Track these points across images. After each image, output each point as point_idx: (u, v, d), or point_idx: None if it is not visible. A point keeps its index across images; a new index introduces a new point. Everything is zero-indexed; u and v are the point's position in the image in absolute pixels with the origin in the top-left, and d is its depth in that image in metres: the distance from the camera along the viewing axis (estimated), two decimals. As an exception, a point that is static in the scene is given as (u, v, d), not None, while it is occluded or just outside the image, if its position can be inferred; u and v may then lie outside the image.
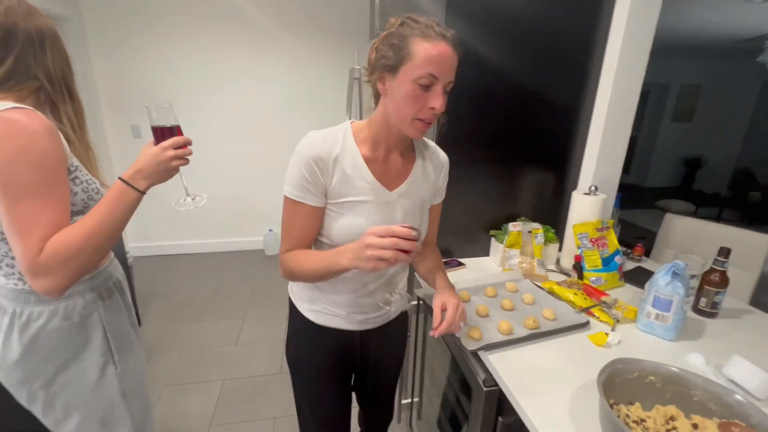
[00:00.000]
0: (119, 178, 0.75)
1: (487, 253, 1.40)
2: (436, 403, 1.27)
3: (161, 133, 0.78)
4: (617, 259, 1.21)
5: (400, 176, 0.82)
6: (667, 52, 5.19)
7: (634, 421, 0.61)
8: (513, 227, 1.28)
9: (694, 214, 3.25)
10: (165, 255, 3.37)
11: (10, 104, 0.68)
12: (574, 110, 1.32)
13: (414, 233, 0.62)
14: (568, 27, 1.23)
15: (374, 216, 0.79)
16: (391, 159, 0.81)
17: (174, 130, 0.80)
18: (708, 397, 0.62)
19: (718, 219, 4.78)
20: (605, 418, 0.57)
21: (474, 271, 1.29)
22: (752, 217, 4.66)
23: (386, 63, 0.69)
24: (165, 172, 0.78)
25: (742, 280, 1.51)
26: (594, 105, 1.31)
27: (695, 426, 0.60)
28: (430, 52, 0.66)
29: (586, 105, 1.32)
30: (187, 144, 0.80)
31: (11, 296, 0.78)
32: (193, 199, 0.87)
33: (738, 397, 0.59)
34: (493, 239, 1.37)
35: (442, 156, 0.90)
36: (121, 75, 2.92)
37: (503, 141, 1.31)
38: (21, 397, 0.83)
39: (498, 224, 1.38)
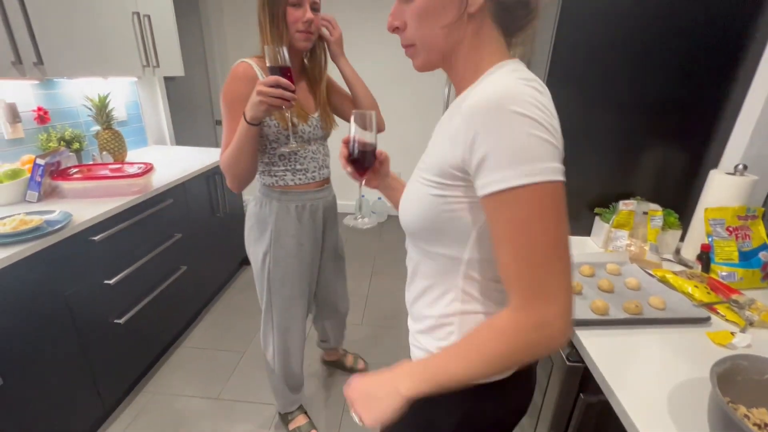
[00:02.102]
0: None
1: (588, 233, 1.28)
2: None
3: (270, 72, 0.91)
4: (763, 255, 0.99)
5: None
6: None
7: (755, 424, 0.52)
8: (624, 206, 1.14)
9: None
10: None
11: (246, 59, 1.06)
12: (730, 69, 1.08)
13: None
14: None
15: None
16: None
17: (283, 71, 0.89)
18: None
19: None
20: (716, 411, 0.50)
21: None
22: None
23: None
24: (254, 105, 0.91)
25: None
26: (759, 63, 1.05)
27: None
28: None
29: (747, 64, 1.07)
30: (279, 85, 0.87)
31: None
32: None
33: None
34: (597, 218, 1.23)
35: (473, 100, 0.45)
36: (252, 46, 3.28)
37: (626, 106, 1.14)
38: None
39: (606, 202, 1.24)
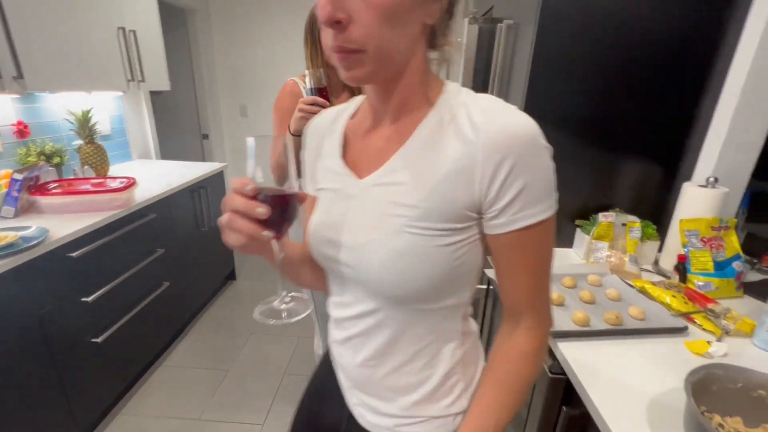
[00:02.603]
0: None
1: (570, 244, 1.30)
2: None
3: (309, 92, 1.04)
4: (736, 265, 1.02)
5: (382, 158, 0.48)
6: None
7: (730, 434, 0.53)
8: (603, 217, 1.16)
9: None
10: (259, 223, 3.77)
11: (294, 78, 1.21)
12: (699, 86, 1.13)
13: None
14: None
15: (330, 211, 0.51)
16: (380, 130, 0.50)
17: (320, 91, 1.03)
18: (841, 425, 0.51)
19: None
20: (691, 420, 0.50)
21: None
22: None
23: None
24: (296, 119, 1.05)
25: None
26: (726, 79, 1.11)
27: (817, 455, 0.49)
28: None
29: (715, 79, 1.12)
30: (316, 103, 1.00)
31: None
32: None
33: None
34: (578, 230, 1.26)
35: (500, 134, 0.41)
36: (238, 62, 3.30)
37: (602, 121, 1.18)
38: None
39: (586, 214, 1.26)
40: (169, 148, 3.06)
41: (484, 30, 1.66)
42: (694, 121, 1.16)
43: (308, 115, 1.02)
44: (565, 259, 1.23)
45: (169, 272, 1.91)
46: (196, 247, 2.18)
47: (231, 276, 2.70)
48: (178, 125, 3.41)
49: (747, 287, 1.05)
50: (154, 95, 2.67)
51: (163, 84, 2.23)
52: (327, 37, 0.43)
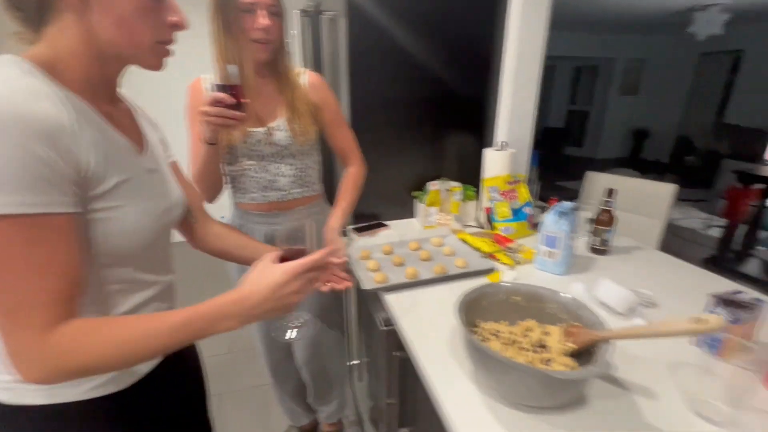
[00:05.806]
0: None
1: (413, 215, 1.45)
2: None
3: (214, 89, 0.79)
4: (526, 210, 1.28)
5: (133, 131, 0.57)
6: (609, 28, 5.39)
7: (493, 334, 0.67)
8: (432, 186, 1.33)
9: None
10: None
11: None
12: (486, 74, 1.37)
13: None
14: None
15: (155, 196, 0.56)
16: (112, 109, 0.54)
17: (229, 89, 0.79)
18: (558, 308, 0.69)
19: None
20: (462, 336, 0.62)
21: (399, 231, 1.33)
22: (690, 180, 4.68)
23: None
24: (203, 126, 0.84)
25: (651, 227, 1.64)
26: (502, 68, 1.37)
27: (546, 333, 0.66)
28: None
29: (495, 68, 1.37)
30: (220, 102, 0.78)
31: None
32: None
33: (577, 301, 0.66)
34: (416, 200, 1.41)
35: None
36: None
37: (419, 104, 1.34)
38: None
39: (421, 186, 1.43)
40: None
41: (315, 22, 1.72)
42: (487, 101, 1.41)
43: (212, 119, 0.79)
44: (410, 228, 1.37)
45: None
46: None
47: None
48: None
49: (538, 226, 1.32)
50: None
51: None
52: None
